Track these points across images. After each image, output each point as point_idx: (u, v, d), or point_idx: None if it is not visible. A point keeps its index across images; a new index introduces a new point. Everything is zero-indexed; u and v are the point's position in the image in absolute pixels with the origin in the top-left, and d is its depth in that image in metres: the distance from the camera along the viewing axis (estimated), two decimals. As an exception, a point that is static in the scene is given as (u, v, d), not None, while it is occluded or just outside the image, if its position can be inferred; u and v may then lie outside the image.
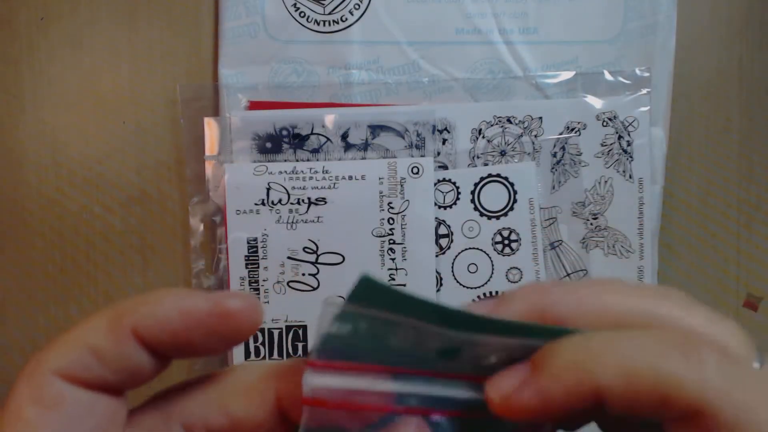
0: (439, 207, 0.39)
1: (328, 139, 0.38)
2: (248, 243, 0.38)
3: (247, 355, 0.38)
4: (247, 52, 0.38)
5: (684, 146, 0.40)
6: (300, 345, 0.38)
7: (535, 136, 0.39)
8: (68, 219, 0.40)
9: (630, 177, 0.39)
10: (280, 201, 0.38)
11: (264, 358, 0.38)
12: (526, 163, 0.39)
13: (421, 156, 0.38)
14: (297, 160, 0.38)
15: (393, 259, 0.38)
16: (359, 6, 0.38)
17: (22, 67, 0.39)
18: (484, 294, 0.39)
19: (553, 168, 0.39)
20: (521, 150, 0.39)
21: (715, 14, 0.40)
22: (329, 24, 0.38)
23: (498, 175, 0.39)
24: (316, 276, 0.38)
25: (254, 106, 0.38)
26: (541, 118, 0.39)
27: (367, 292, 0.15)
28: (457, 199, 0.39)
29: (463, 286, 0.39)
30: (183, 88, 0.39)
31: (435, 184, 0.38)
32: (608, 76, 0.39)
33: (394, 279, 0.38)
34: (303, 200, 0.38)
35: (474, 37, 0.39)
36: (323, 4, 0.38)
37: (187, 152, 0.39)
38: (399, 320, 0.15)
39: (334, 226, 0.38)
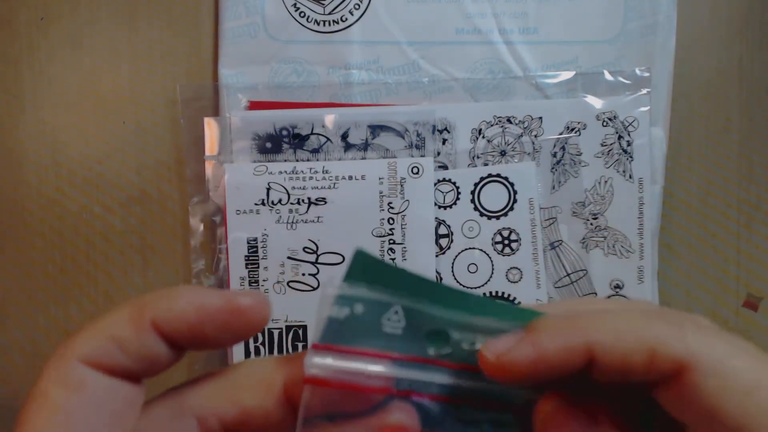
0: (439, 207, 0.38)
1: (328, 139, 0.38)
2: (248, 243, 0.38)
3: (247, 354, 0.38)
4: (247, 52, 0.38)
5: (684, 146, 0.40)
6: (300, 345, 0.38)
7: (535, 136, 0.39)
8: (68, 219, 0.40)
9: (630, 177, 0.39)
10: (280, 201, 0.38)
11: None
12: (526, 163, 0.39)
13: (421, 156, 0.38)
14: (297, 160, 0.38)
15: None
16: (359, 6, 0.38)
17: (22, 67, 0.39)
18: (484, 294, 0.39)
19: (553, 168, 0.39)
20: (521, 150, 0.39)
21: (715, 14, 0.40)
22: (329, 24, 0.38)
23: (498, 175, 0.39)
24: (316, 276, 0.38)
25: (254, 106, 0.38)
26: (541, 118, 0.39)
27: (362, 267, 0.16)
28: (457, 199, 0.39)
29: (464, 286, 0.39)
30: (183, 88, 0.39)
31: (435, 184, 0.38)
32: (608, 76, 0.39)
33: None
34: (303, 200, 0.38)
35: (474, 37, 0.39)
36: (323, 4, 0.38)
37: (187, 152, 0.39)
38: (392, 301, 0.17)
39: (334, 226, 0.38)
